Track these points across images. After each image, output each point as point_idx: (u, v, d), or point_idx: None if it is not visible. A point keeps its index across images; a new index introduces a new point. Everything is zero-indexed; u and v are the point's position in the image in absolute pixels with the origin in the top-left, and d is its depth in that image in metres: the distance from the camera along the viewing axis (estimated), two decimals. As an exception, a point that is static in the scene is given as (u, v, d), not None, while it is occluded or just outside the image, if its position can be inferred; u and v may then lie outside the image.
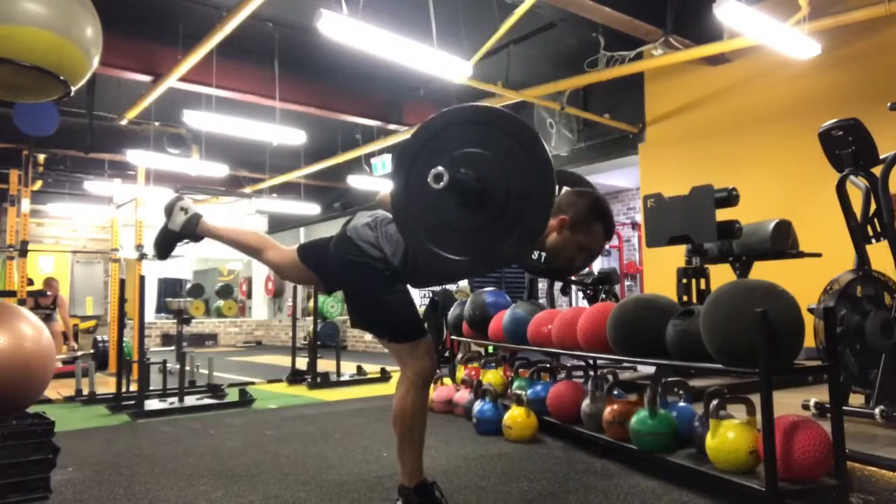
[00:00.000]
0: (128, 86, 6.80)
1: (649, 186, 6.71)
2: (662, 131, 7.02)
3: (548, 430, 3.31)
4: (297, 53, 6.65)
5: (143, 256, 6.50)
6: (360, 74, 7.20)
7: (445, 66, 4.89)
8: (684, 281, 3.58)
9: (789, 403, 2.97)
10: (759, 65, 5.94)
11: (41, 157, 8.06)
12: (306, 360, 6.21)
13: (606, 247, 10.00)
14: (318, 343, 6.69)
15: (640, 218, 8.67)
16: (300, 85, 7.13)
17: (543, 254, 2.11)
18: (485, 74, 6.00)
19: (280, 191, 10.80)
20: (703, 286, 3.56)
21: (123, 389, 4.83)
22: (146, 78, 6.28)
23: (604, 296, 5.47)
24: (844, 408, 2.55)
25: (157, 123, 8.03)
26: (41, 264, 10.44)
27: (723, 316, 2.08)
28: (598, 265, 9.46)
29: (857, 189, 3.07)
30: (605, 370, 3.69)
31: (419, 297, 9.32)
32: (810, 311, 2.75)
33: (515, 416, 3.27)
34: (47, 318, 7.04)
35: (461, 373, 4.51)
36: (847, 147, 2.96)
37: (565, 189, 2.09)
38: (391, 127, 8.19)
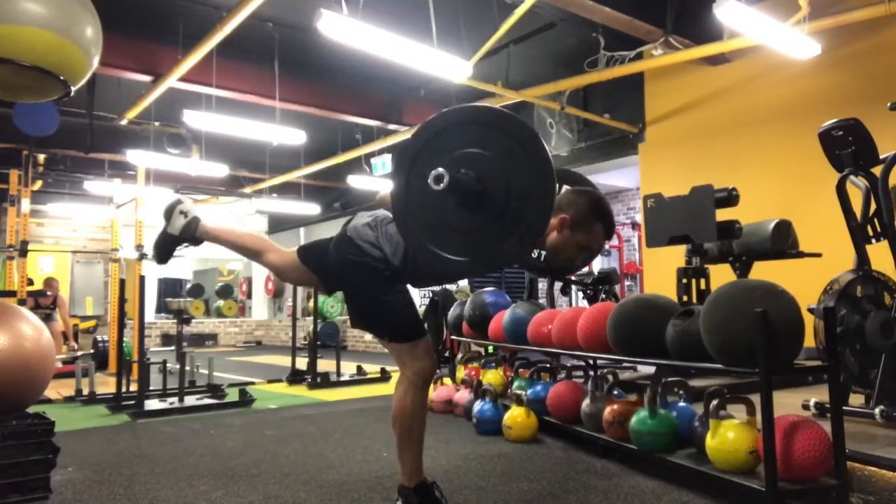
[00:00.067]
0: (128, 86, 6.80)
1: (649, 186, 6.71)
2: (662, 131, 7.02)
3: (548, 430, 3.31)
4: (297, 53, 6.65)
5: (143, 256, 6.50)
6: (360, 74, 7.20)
7: (445, 66, 4.89)
8: (684, 281, 3.58)
9: (789, 403, 2.97)
10: (759, 65, 5.94)
11: (41, 157, 8.06)
12: (306, 360, 6.21)
13: (606, 247, 10.01)
14: (318, 343, 6.69)
15: (640, 218, 8.67)
16: (300, 85, 7.13)
17: (543, 252, 2.10)
18: (485, 74, 6.00)
19: (280, 191, 10.80)
20: (703, 286, 3.56)
21: (123, 389, 4.83)
22: (146, 78, 6.28)
23: (604, 296, 5.47)
24: (844, 408, 2.55)
25: (157, 123, 8.03)
26: (41, 264, 10.45)
27: (723, 316, 2.08)
28: (598, 265, 9.47)
29: (857, 189, 3.07)
30: (605, 370, 3.68)
31: (419, 297, 9.32)
32: (810, 311, 2.75)
33: (515, 416, 3.27)
34: (47, 318, 7.04)
35: (461, 373, 4.51)
36: (847, 147, 2.95)
37: (565, 188, 2.09)
38: (391, 127, 8.20)
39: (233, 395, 4.86)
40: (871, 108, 3.75)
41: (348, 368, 6.64)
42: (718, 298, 2.15)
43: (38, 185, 8.35)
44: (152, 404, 4.50)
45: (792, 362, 2.09)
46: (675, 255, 3.82)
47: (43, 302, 7.28)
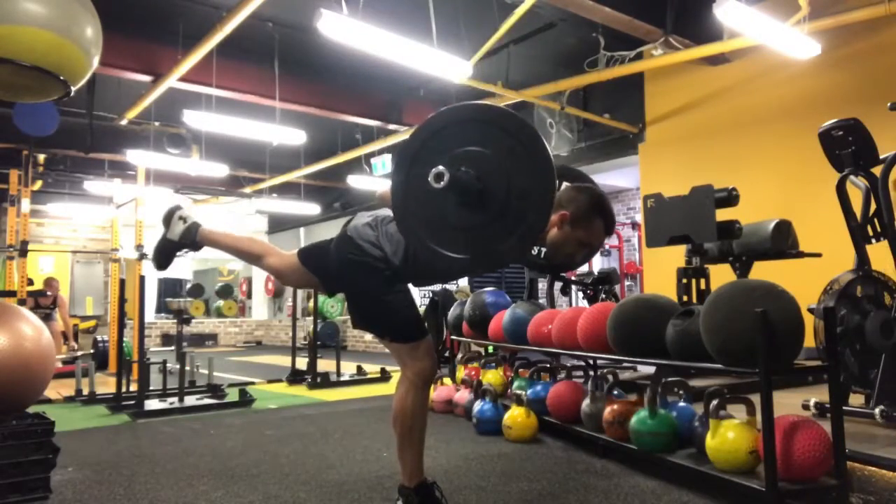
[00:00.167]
0: (128, 86, 6.80)
1: (649, 186, 6.71)
2: (662, 131, 7.02)
3: (548, 430, 3.31)
4: (297, 53, 6.65)
5: (143, 256, 6.50)
6: (360, 74, 7.21)
7: (445, 66, 4.89)
8: (684, 281, 3.58)
9: (789, 403, 2.97)
10: (759, 65, 5.94)
11: (41, 157, 8.06)
12: (306, 360, 6.21)
13: (606, 246, 10.01)
14: (318, 343, 6.69)
15: (640, 218, 8.67)
16: (300, 85, 7.13)
17: (543, 249, 2.10)
18: (485, 74, 6.00)
19: (280, 191, 10.80)
20: (703, 286, 3.56)
21: (123, 389, 4.83)
22: (146, 78, 6.28)
23: (604, 296, 5.47)
24: (844, 408, 2.55)
25: (157, 123, 8.03)
26: (41, 264, 10.44)
27: (723, 316, 2.08)
28: (598, 265, 9.48)
29: (857, 189, 3.07)
30: (605, 370, 3.68)
31: (419, 297, 9.32)
32: (810, 311, 2.75)
33: (515, 416, 3.27)
34: (47, 318, 7.04)
35: (461, 373, 4.51)
36: (847, 147, 2.96)
37: (565, 184, 2.08)
38: (391, 127, 8.20)
39: (233, 395, 4.86)
40: (871, 108, 3.75)
41: (348, 368, 6.64)
42: (718, 298, 2.15)
43: (38, 185, 8.35)
44: (152, 404, 4.50)
45: (792, 362, 2.09)
46: (675, 255, 3.82)
47: (43, 302, 7.28)
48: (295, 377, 6.19)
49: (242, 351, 12.02)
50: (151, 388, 4.92)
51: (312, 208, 10.70)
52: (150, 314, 12.59)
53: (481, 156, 1.66)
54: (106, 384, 5.68)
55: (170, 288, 14.59)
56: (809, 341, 2.32)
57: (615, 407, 2.77)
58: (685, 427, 2.52)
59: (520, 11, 4.90)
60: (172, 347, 9.34)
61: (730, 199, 3.25)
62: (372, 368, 6.57)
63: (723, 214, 3.22)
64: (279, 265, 2.32)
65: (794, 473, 1.98)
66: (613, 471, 2.64)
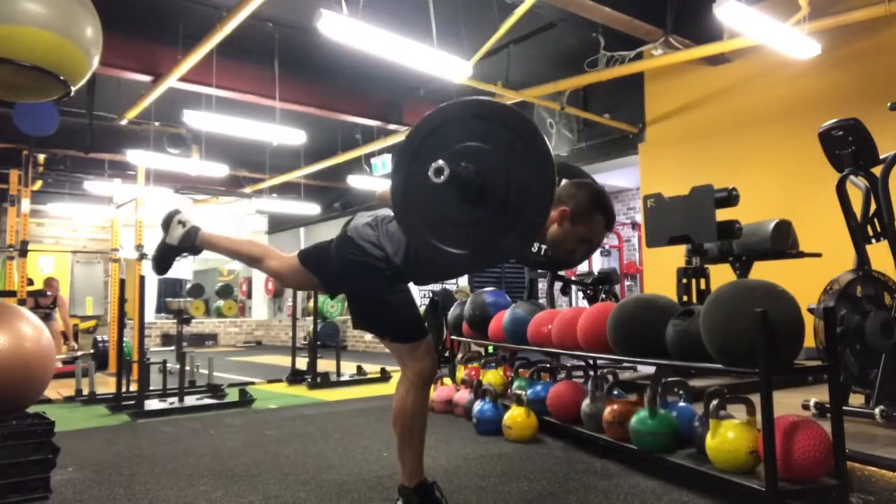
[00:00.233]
0: (128, 86, 6.80)
1: (649, 186, 6.71)
2: (662, 131, 7.02)
3: (548, 430, 3.31)
4: (297, 53, 6.65)
5: (143, 256, 6.50)
6: (360, 74, 7.21)
7: (445, 66, 4.89)
8: (684, 281, 3.58)
9: (789, 403, 2.97)
10: (759, 65, 5.95)
11: (41, 157, 8.06)
12: (306, 360, 6.21)
13: (606, 246, 10.01)
14: (318, 343, 6.69)
15: (640, 218, 8.67)
16: (300, 85, 7.13)
17: (543, 246, 2.10)
18: (485, 74, 6.00)
19: (280, 191, 10.80)
20: (703, 286, 3.56)
21: (123, 389, 4.83)
22: (146, 78, 6.28)
23: (604, 296, 5.47)
24: (844, 408, 2.55)
25: (157, 123, 8.03)
26: (41, 264, 10.44)
27: (723, 316, 2.08)
28: (598, 265, 9.49)
29: (857, 189, 3.07)
30: (605, 370, 3.68)
31: (419, 297, 9.32)
32: (810, 311, 2.75)
33: (515, 416, 3.27)
34: (46, 318, 7.04)
35: (461, 373, 4.51)
36: (847, 147, 2.96)
37: (565, 181, 2.08)
38: (391, 127, 8.20)
39: (233, 395, 4.86)
40: (871, 108, 3.75)
41: (348, 368, 6.64)
42: (718, 298, 2.15)
43: (38, 185, 8.35)
44: (152, 404, 4.50)
45: (792, 362, 2.09)
46: (675, 255, 3.82)
47: (43, 302, 7.28)
48: (295, 377, 6.19)
49: (242, 351, 12.02)
50: (151, 388, 4.92)
51: (312, 208, 10.70)
52: (150, 314, 12.59)
53: (481, 151, 1.66)
54: (106, 384, 5.68)
55: (170, 288, 14.59)
56: (809, 341, 2.32)
57: (615, 407, 2.77)
58: (685, 427, 2.52)
59: (520, 11, 4.90)
60: (172, 347, 9.34)
61: (730, 199, 3.25)
62: (372, 368, 6.57)
63: (723, 214, 3.22)
64: (279, 267, 2.31)
65: (794, 473, 1.98)
66: (613, 471, 2.64)
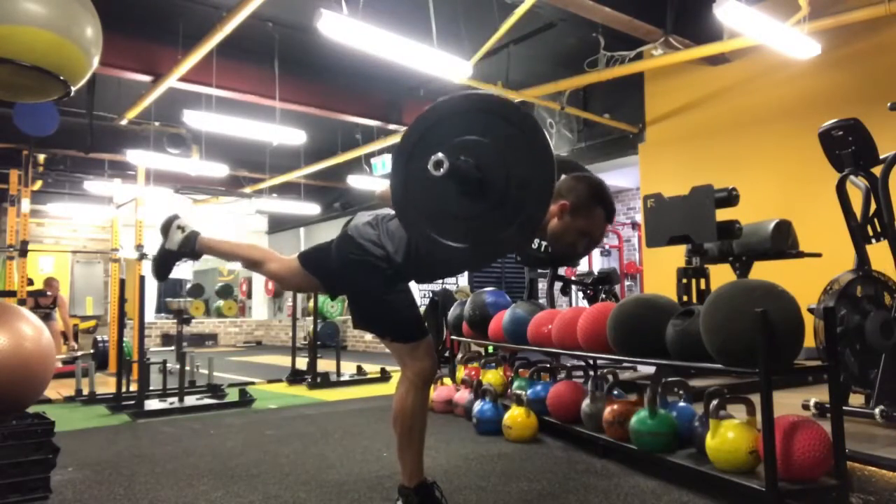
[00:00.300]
0: (128, 86, 6.80)
1: (649, 186, 6.72)
2: (662, 131, 7.02)
3: (548, 430, 3.31)
4: (297, 53, 6.65)
5: (143, 256, 6.50)
6: (360, 74, 7.21)
7: (445, 66, 4.89)
8: (684, 281, 3.58)
9: (789, 403, 2.97)
10: (759, 65, 5.95)
11: (41, 157, 8.06)
12: (306, 360, 6.21)
13: (606, 246, 10.01)
14: (318, 343, 6.69)
15: (640, 218, 8.67)
16: (300, 85, 7.13)
17: (544, 243, 2.09)
18: (485, 74, 6.00)
19: (280, 191, 10.80)
20: (703, 286, 3.56)
21: (123, 389, 4.83)
22: (146, 78, 6.28)
23: (604, 296, 5.47)
24: (844, 408, 2.55)
25: (157, 123, 8.03)
26: (41, 264, 10.44)
27: (723, 316, 2.08)
28: (598, 265, 9.49)
29: (857, 189, 3.07)
30: (605, 370, 3.68)
31: (419, 297, 9.32)
32: (810, 311, 2.75)
33: (515, 416, 3.27)
34: (46, 318, 7.04)
35: (461, 373, 4.51)
36: (847, 147, 2.95)
37: (563, 176, 2.07)
38: (391, 127, 8.20)
39: (233, 395, 4.86)
40: (871, 108, 3.75)
41: (348, 368, 6.64)
42: (718, 298, 2.15)
43: (38, 185, 8.35)
44: (152, 404, 4.50)
45: (792, 362, 2.09)
46: (675, 255, 3.82)
47: (43, 302, 7.28)
48: (295, 377, 6.19)
49: (242, 351, 12.02)
50: (151, 388, 4.92)
51: (312, 208, 10.70)
52: (150, 314, 12.59)
53: (481, 145, 1.65)
54: (106, 384, 5.68)
55: (170, 288, 14.59)
56: (809, 341, 2.32)
57: (615, 407, 2.77)
58: (685, 427, 2.52)
59: (520, 11, 4.90)
60: (172, 347, 9.33)
61: (730, 199, 3.25)
62: (372, 368, 6.57)
63: (723, 214, 3.22)
64: (279, 270, 2.31)
65: (794, 473, 1.98)
66: (613, 471, 2.64)
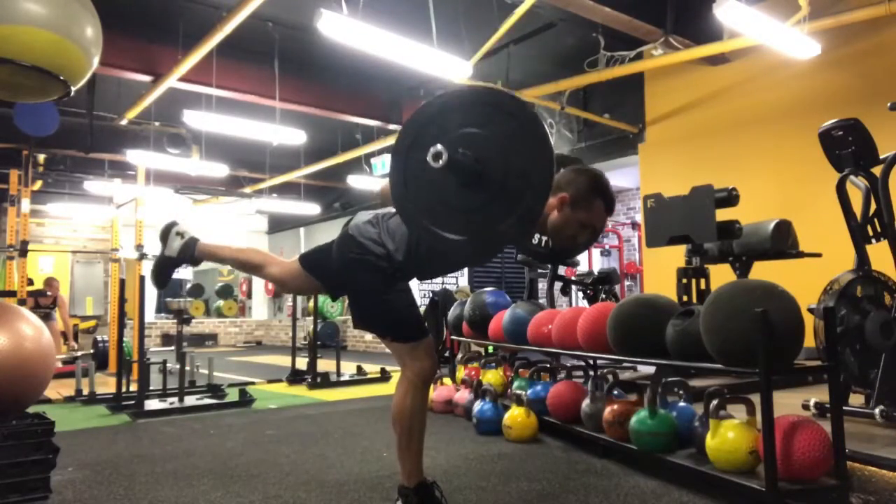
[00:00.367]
0: (128, 86, 6.80)
1: (649, 186, 6.71)
2: (662, 131, 7.02)
3: (548, 430, 3.31)
4: (297, 53, 6.65)
5: (143, 256, 6.50)
6: (360, 74, 7.21)
7: (445, 66, 4.89)
8: (684, 281, 3.58)
9: (789, 403, 2.97)
10: (759, 65, 5.94)
11: (41, 157, 8.06)
12: (306, 360, 6.21)
13: (606, 247, 10.01)
14: (318, 343, 6.69)
15: (640, 218, 8.67)
16: (300, 85, 7.13)
17: (544, 238, 2.08)
18: (485, 74, 5.99)
19: (280, 191, 10.80)
20: (703, 286, 3.56)
21: (123, 389, 4.83)
22: (146, 78, 6.28)
23: (604, 296, 5.48)
24: (844, 408, 2.55)
25: (157, 123, 8.03)
26: (41, 264, 10.44)
27: (723, 316, 2.08)
28: (598, 265, 9.49)
29: (857, 189, 3.07)
30: (605, 370, 3.69)
31: (419, 298, 9.32)
32: (810, 311, 2.75)
33: (515, 416, 3.27)
34: (46, 318, 7.04)
35: (461, 373, 4.51)
36: (847, 147, 2.95)
37: (563, 169, 2.07)
38: (391, 127, 8.20)
39: (233, 395, 4.86)
40: (871, 108, 3.75)
41: (348, 368, 6.64)
42: (718, 298, 2.15)
43: (38, 185, 8.35)
44: (152, 404, 4.50)
45: (792, 362, 2.09)
46: (675, 255, 3.82)
47: (43, 302, 7.28)
48: (295, 377, 6.19)
49: (242, 351, 12.03)
50: (151, 388, 4.92)
51: (312, 208, 10.70)
52: (150, 314, 12.59)
53: (480, 137, 1.65)
54: (106, 384, 5.68)
55: (170, 288, 14.58)
56: (809, 341, 2.32)
57: (615, 407, 2.76)
58: (685, 427, 2.52)
59: (520, 11, 4.90)
60: (172, 347, 9.33)
61: (730, 199, 3.25)
62: (372, 368, 6.57)
63: (723, 214, 3.22)
64: (280, 273, 2.31)
65: (794, 473, 1.98)
66: (613, 471, 2.64)
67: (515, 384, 3.76)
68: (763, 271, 3.19)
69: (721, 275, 3.43)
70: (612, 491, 2.36)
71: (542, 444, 3.19)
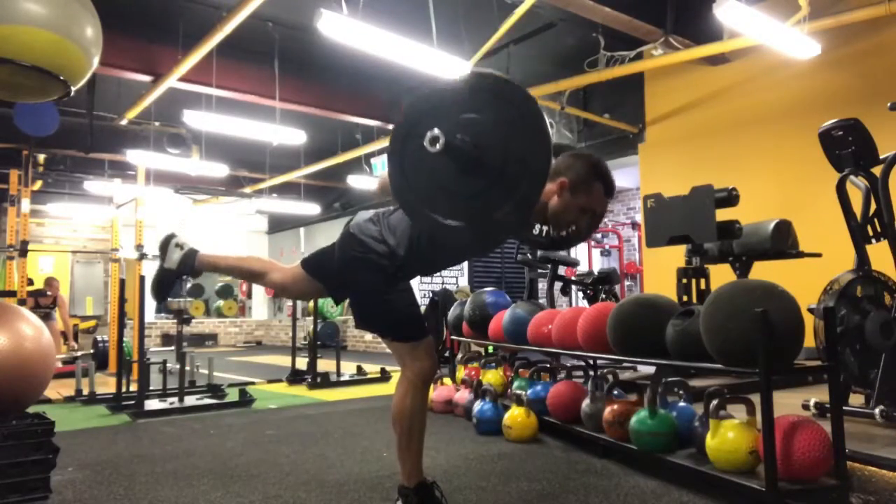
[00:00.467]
0: (128, 86, 6.80)
1: (649, 186, 6.72)
2: (662, 131, 7.02)
3: (548, 430, 3.31)
4: (297, 53, 6.65)
5: (143, 256, 6.50)
6: (360, 74, 7.20)
7: (445, 66, 4.89)
8: (684, 281, 3.58)
9: (789, 403, 2.97)
10: (759, 65, 5.95)
11: (41, 157, 8.06)
12: (306, 360, 6.21)
13: (607, 247, 10.00)
14: (318, 343, 6.69)
15: (640, 218, 8.67)
16: (300, 85, 7.13)
17: (545, 229, 2.07)
18: (485, 74, 5.98)
19: (280, 191, 10.80)
20: (703, 286, 3.56)
21: (123, 389, 4.83)
22: (146, 78, 6.28)
23: (604, 296, 5.48)
24: (844, 408, 2.55)
25: (157, 123, 8.03)
26: (41, 264, 10.45)
27: (723, 316, 2.08)
28: (598, 265, 9.49)
29: (857, 189, 3.07)
30: (605, 370, 3.69)
31: (419, 298, 9.32)
32: (810, 311, 2.75)
33: (515, 416, 3.27)
34: (46, 318, 7.04)
35: (461, 373, 4.51)
36: (847, 147, 2.95)
37: (561, 155, 2.07)
38: (391, 127, 8.17)
39: (233, 395, 4.86)
40: (871, 108, 3.75)
41: (348, 368, 6.64)
42: (718, 298, 2.15)
43: (38, 185, 8.35)
44: (152, 404, 4.50)
45: (792, 362, 2.09)
46: (675, 255, 3.82)
47: (43, 302, 7.28)
48: (295, 377, 6.19)
49: (242, 351, 12.02)
50: (151, 388, 4.92)
51: (312, 208, 10.70)
52: (150, 314, 12.58)
53: (478, 123, 1.64)
54: (106, 384, 5.68)
55: (170, 288, 14.56)
56: (809, 341, 2.32)
57: (615, 407, 2.76)
58: (685, 427, 2.51)
59: (520, 11, 4.90)
60: (172, 347, 9.33)
61: (730, 199, 3.25)
62: (372, 368, 6.57)
63: (723, 214, 3.22)
64: (283, 279, 2.31)
65: (794, 473, 1.98)
66: (613, 471, 2.64)
67: (515, 384, 3.76)
68: (763, 271, 3.19)
69: (721, 275, 3.43)
70: (612, 491, 2.36)
71: (542, 444, 3.19)
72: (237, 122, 6.44)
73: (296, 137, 6.85)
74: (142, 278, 4.65)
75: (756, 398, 2.05)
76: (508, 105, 1.63)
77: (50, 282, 7.65)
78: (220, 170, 8.06)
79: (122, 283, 5.65)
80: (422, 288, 9.48)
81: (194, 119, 6.24)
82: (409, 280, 2.14)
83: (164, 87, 6.15)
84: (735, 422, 2.22)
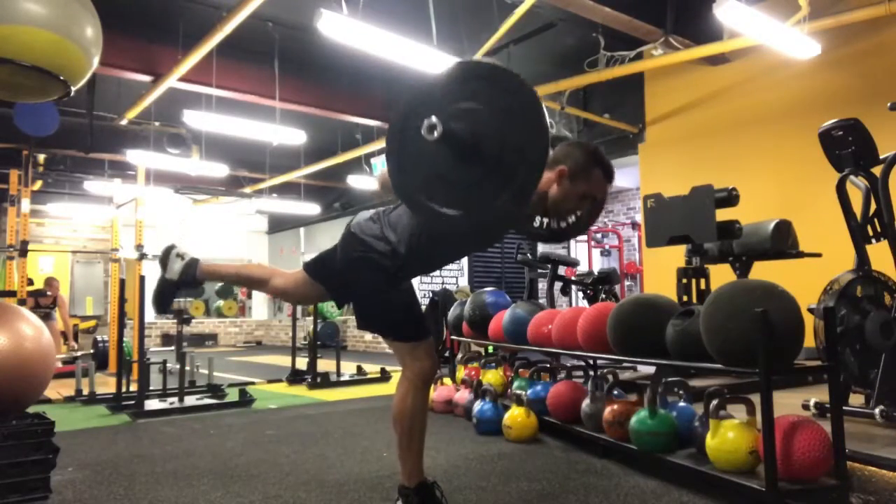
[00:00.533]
0: (128, 86, 6.80)
1: (649, 186, 6.72)
2: (662, 131, 7.02)
3: (548, 430, 3.31)
4: (297, 53, 6.65)
5: (143, 256, 6.51)
6: (360, 74, 7.20)
7: (445, 66, 4.88)
8: (684, 281, 3.58)
9: (789, 403, 2.97)
10: (759, 65, 5.95)
11: (41, 157, 8.06)
12: (306, 360, 6.21)
13: (607, 247, 10.00)
14: (318, 343, 6.69)
15: (640, 218, 8.67)
16: (300, 85, 7.13)
17: (545, 220, 2.06)
18: (485, 74, 5.98)
19: (280, 191, 10.80)
20: (703, 286, 3.56)
21: (123, 389, 4.83)
22: (146, 78, 6.28)
23: (604, 296, 5.48)
24: (844, 408, 2.55)
25: (157, 123, 8.03)
26: (41, 264, 10.45)
27: (723, 316, 2.08)
28: (598, 265, 9.49)
29: (857, 189, 3.07)
30: (605, 370, 3.69)
31: (419, 298, 9.31)
32: (810, 311, 2.75)
33: (515, 416, 3.27)
34: (46, 318, 7.03)
35: (461, 373, 4.51)
36: (847, 147, 2.96)
37: (559, 145, 2.07)
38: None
39: (233, 395, 4.86)
40: (871, 108, 3.75)
41: (348, 368, 6.64)
42: (718, 298, 2.15)
43: (38, 185, 8.35)
44: (152, 404, 4.50)
45: (792, 362, 2.09)
46: (675, 255, 3.82)
47: (43, 302, 7.28)
48: (295, 377, 6.19)
49: (242, 351, 12.02)
50: (151, 388, 4.92)
51: (312, 208, 10.70)
52: (150, 314, 12.56)
53: (475, 112, 1.63)
54: (106, 384, 5.68)
55: (170, 288, 14.56)
56: (809, 341, 2.32)
57: (615, 407, 2.76)
58: (685, 427, 2.52)
59: (520, 11, 4.90)
60: (172, 347, 9.32)
61: (730, 199, 3.25)
62: (372, 368, 6.57)
63: (723, 214, 3.22)
64: (285, 284, 2.32)
65: (794, 473, 1.98)
66: (613, 471, 2.64)
67: (515, 384, 3.76)
68: (763, 271, 3.19)
69: (721, 275, 3.43)
70: (612, 491, 2.36)
71: (542, 444, 3.19)
72: (237, 122, 6.44)
73: (296, 137, 6.85)
74: (142, 278, 4.66)
75: (756, 398, 2.05)
76: (504, 93, 1.62)
77: (50, 282, 7.65)
78: (220, 170, 8.06)
79: (122, 283, 5.65)
80: (422, 288, 9.48)
81: (194, 119, 6.23)
82: (410, 279, 2.14)
83: (164, 87, 6.15)
84: (735, 422, 2.22)
